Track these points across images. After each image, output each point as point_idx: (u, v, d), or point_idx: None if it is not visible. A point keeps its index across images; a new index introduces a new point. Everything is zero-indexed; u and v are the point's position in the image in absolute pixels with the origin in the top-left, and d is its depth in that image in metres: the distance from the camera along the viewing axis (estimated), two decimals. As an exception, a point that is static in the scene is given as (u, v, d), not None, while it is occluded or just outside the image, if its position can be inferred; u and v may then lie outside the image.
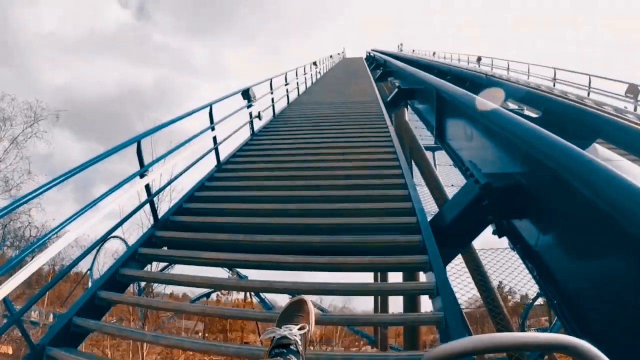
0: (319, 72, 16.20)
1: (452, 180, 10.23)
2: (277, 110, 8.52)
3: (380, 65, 18.81)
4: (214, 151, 5.18)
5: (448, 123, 5.79)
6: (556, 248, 2.49)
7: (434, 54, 25.33)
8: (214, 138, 5.08)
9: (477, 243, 7.78)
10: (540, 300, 11.21)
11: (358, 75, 17.09)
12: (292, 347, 1.32)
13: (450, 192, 9.57)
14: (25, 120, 19.70)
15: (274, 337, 1.37)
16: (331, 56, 22.42)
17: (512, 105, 5.76)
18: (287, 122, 7.64)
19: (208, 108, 5.04)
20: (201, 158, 4.85)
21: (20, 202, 2.64)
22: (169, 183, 4.76)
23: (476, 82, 7.37)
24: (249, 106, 6.46)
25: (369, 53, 32.06)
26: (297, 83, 11.07)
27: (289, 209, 4.02)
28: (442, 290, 2.53)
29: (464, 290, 6.58)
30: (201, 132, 4.86)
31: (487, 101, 3.59)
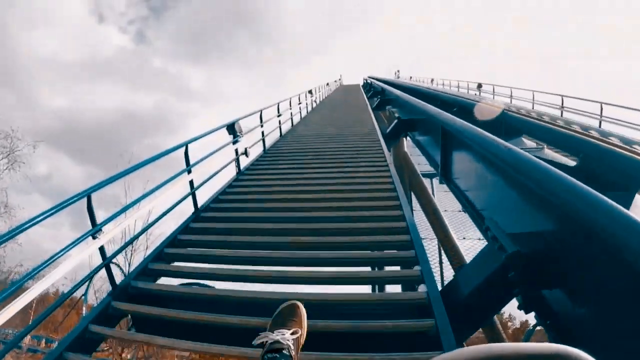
0: (315, 101, 15.74)
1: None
2: (268, 144, 7.93)
3: (377, 93, 18.42)
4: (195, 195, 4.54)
5: (456, 163, 5.16)
6: (593, 322, 2.06)
7: (432, 80, 25.09)
8: (191, 182, 4.43)
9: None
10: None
11: (355, 103, 16.66)
12: (284, 351, 1.32)
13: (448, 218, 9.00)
14: (0, 151, 18.52)
15: (266, 341, 1.37)
16: (327, 84, 22.09)
17: (547, 152, 5.09)
18: (279, 158, 7.01)
19: (187, 147, 4.41)
20: (176, 205, 4.21)
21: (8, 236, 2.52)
22: (128, 242, 4.08)
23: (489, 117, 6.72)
24: (234, 142, 5.85)
25: (366, 80, 31.91)
26: (291, 113, 10.52)
27: (277, 275, 3.35)
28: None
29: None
30: (176, 175, 4.22)
31: (510, 145, 2.96)
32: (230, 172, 5.99)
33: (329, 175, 5.52)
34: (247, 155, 6.16)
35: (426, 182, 11.39)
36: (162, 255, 3.80)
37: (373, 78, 30.15)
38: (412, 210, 6.13)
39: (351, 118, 11.76)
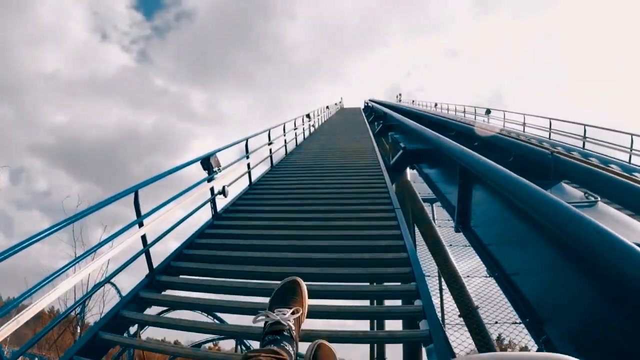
0: (313, 126, 14.86)
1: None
2: (256, 177, 6.96)
3: (379, 118, 17.64)
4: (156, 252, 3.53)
5: (479, 212, 4.19)
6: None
7: (435, 105, 24.33)
8: (143, 238, 3.43)
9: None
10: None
11: (355, 128, 15.80)
12: (285, 332, 1.34)
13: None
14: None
15: (266, 322, 1.40)
16: (327, 107, 21.30)
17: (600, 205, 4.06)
18: (266, 195, 6.03)
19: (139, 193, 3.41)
20: (127, 264, 3.21)
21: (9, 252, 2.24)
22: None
23: (521, 153, 5.65)
24: (209, 179, 4.88)
25: (367, 103, 31.26)
26: (285, 141, 9.60)
27: None
28: None
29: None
30: (122, 230, 3.22)
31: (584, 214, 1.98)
32: (206, 214, 5.00)
33: (324, 224, 4.52)
34: (225, 195, 5.18)
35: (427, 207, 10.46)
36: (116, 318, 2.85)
37: (374, 101, 29.51)
38: (414, 239, 5.13)
39: (351, 146, 10.83)
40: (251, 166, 6.60)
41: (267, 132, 7.90)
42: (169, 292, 3.40)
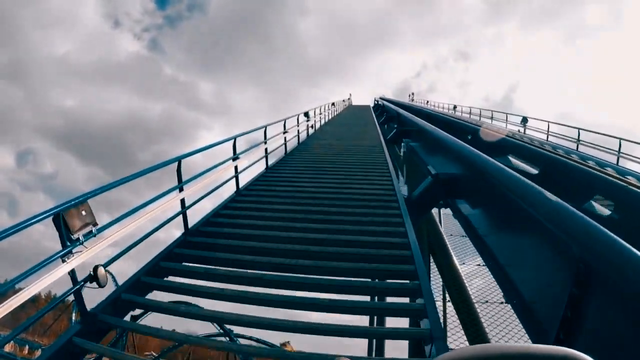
0: (312, 127, 12.41)
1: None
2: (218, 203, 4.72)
3: (391, 119, 15.25)
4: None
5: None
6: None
7: (454, 107, 21.75)
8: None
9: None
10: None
11: (364, 131, 13.42)
12: None
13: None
14: None
15: None
16: (333, 104, 18.79)
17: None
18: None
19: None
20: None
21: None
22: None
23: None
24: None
25: (377, 101, 28.81)
26: (266, 150, 7.20)
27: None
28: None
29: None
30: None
31: None
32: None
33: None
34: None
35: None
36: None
37: (385, 100, 27.07)
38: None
39: (358, 156, 8.48)
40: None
41: (228, 144, 5.56)
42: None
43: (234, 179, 5.75)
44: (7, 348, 15.67)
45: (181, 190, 3.95)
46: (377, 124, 15.72)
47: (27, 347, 19.77)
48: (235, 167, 5.69)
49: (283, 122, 8.51)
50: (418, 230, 6.40)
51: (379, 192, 5.77)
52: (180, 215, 4.08)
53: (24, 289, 2.36)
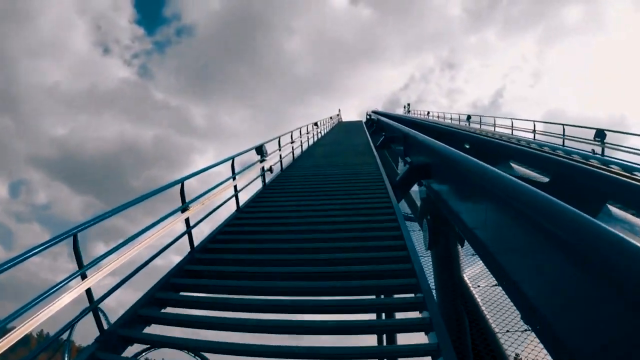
0: (278, 167, 8.76)
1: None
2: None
3: (391, 140, 11.78)
4: None
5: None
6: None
7: (468, 118, 18.29)
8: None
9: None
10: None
11: (358, 162, 9.83)
12: None
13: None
14: None
15: None
16: (316, 124, 15.31)
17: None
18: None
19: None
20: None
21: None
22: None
23: None
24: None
25: (370, 116, 25.59)
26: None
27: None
28: None
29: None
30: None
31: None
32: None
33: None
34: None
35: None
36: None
37: (379, 114, 23.77)
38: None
39: (352, 209, 5.30)
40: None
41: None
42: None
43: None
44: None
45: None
46: (373, 148, 12.25)
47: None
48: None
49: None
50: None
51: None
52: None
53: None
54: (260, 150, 7.04)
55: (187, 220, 4.21)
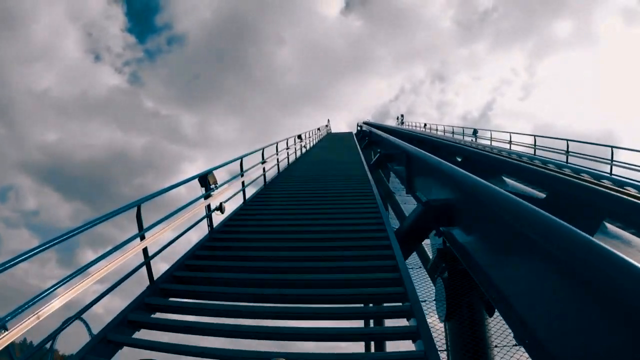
0: (245, 187, 6.70)
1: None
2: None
3: (388, 158, 9.94)
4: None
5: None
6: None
7: (474, 132, 16.42)
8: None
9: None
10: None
11: (350, 189, 7.72)
12: None
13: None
14: None
15: None
16: (299, 137, 13.29)
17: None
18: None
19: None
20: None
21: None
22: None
23: None
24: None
25: (361, 127, 23.77)
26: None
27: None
28: None
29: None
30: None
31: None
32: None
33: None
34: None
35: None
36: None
37: (372, 125, 21.95)
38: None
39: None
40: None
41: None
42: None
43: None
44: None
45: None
46: (365, 165, 10.30)
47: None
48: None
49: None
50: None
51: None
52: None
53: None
54: (204, 180, 4.68)
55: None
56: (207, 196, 4.66)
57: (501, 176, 6.87)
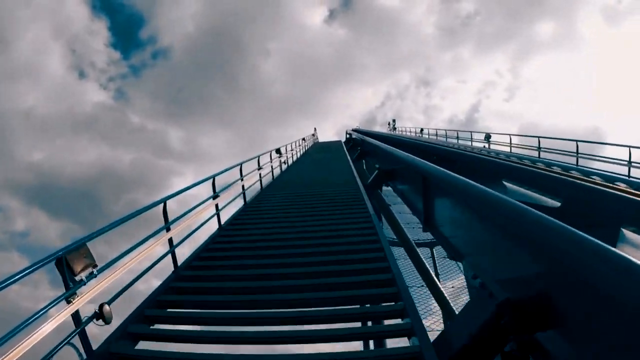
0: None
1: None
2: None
3: (389, 176, 7.93)
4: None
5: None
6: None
7: (488, 138, 14.31)
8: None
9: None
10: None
11: (344, 232, 5.46)
12: None
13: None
14: None
15: None
16: (278, 151, 11.08)
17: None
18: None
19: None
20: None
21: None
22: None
23: None
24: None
25: (350, 135, 21.72)
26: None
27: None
28: None
29: None
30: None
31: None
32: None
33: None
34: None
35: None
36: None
37: (363, 133, 19.89)
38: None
39: None
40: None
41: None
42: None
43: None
44: None
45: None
46: (360, 186, 8.10)
47: None
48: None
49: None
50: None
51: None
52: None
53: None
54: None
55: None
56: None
57: (501, 181, 6.77)
